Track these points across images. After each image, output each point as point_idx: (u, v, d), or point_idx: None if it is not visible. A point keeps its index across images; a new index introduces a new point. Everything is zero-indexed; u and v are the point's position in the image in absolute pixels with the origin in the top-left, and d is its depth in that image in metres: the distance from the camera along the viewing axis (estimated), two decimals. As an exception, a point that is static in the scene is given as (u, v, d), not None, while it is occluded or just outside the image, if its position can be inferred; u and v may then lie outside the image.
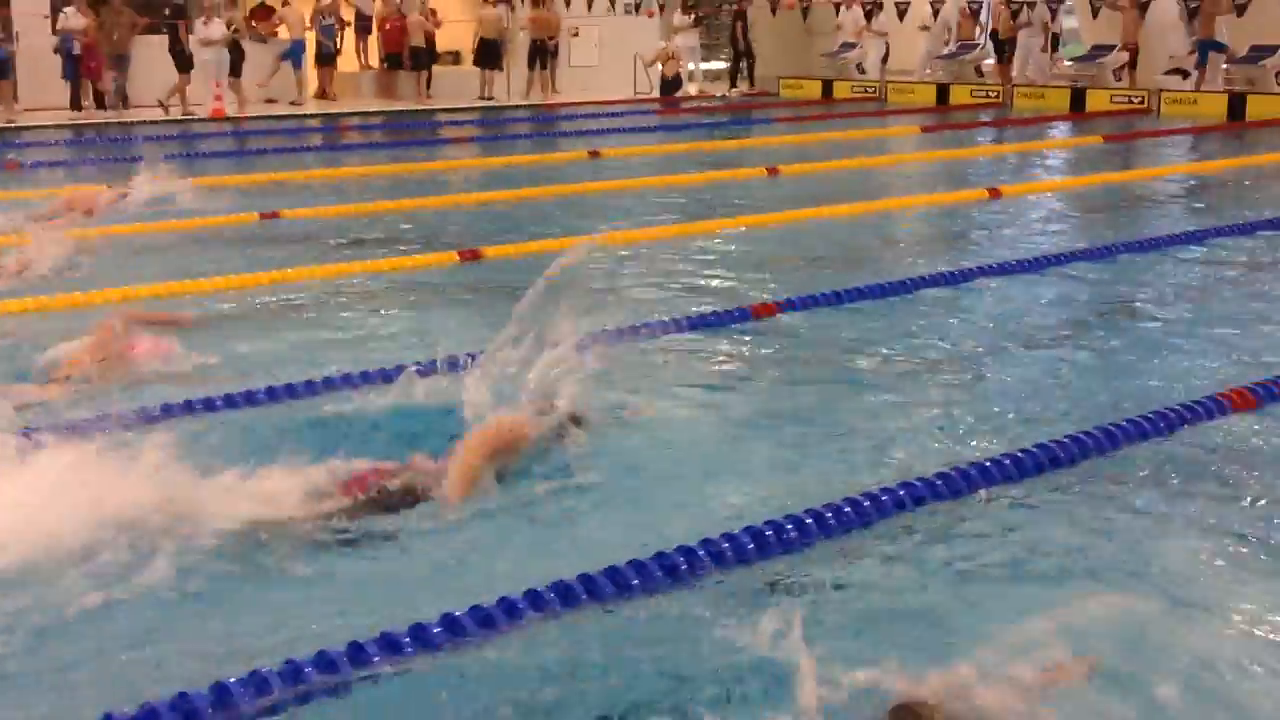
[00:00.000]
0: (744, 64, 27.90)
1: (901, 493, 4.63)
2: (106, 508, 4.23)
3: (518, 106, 24.36)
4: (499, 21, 25.04)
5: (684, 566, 4.01)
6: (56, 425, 4.91)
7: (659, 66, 26.02)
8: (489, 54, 24.98)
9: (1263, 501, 4.67)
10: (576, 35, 26.71)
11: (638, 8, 26.39)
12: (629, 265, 9.30)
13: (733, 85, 27.80)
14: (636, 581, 3.91)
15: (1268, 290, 8.43)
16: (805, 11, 29.30)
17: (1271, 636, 3.74)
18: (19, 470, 4.41)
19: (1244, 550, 4.29)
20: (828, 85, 27.07)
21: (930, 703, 3.15)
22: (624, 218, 11.54)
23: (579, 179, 14.25)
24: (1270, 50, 22.37)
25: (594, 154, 16.40)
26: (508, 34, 25.26)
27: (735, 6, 28.02)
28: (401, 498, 4.62)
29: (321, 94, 24.33)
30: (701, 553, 4.07)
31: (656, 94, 25.91)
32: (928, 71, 27.09)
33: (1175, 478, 4.91)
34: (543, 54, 25.29)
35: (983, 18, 27.64)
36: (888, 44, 28.23)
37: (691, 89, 26.98)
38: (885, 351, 6.86)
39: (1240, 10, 23.16)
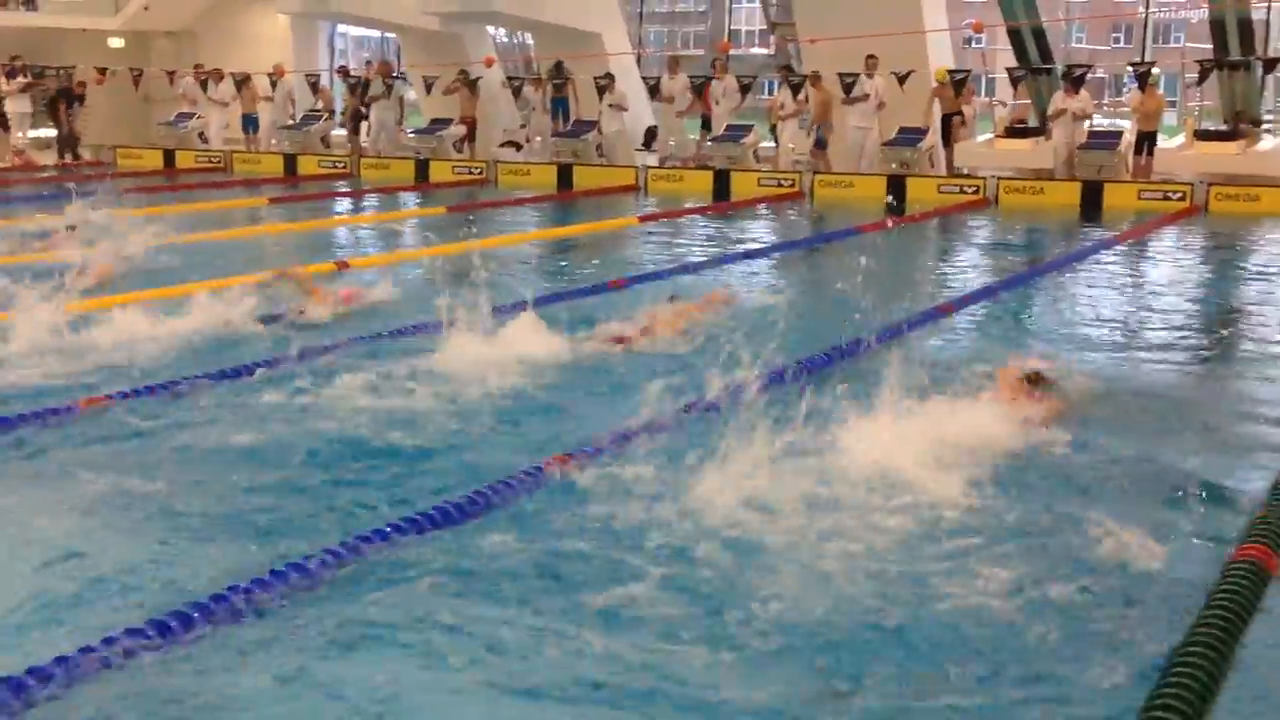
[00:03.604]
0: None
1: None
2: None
3: None
4: None
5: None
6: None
7: None
8: None
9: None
10: None
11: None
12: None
13: (62, 157, 25.90)
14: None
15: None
16: (137, 81, 27.88)
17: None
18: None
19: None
20: (169, 155, 26.00)
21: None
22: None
23: None
24: (590, 125, 24.39)
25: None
26: None
27: (59, 84, 26.16)
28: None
29: None
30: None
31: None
32: (273, 142, 26.76)
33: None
34: None
35: (324, 86, 27.80)
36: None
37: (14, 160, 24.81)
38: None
39: (558, 88, 25.09)
